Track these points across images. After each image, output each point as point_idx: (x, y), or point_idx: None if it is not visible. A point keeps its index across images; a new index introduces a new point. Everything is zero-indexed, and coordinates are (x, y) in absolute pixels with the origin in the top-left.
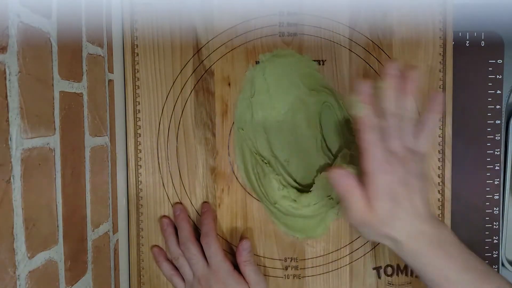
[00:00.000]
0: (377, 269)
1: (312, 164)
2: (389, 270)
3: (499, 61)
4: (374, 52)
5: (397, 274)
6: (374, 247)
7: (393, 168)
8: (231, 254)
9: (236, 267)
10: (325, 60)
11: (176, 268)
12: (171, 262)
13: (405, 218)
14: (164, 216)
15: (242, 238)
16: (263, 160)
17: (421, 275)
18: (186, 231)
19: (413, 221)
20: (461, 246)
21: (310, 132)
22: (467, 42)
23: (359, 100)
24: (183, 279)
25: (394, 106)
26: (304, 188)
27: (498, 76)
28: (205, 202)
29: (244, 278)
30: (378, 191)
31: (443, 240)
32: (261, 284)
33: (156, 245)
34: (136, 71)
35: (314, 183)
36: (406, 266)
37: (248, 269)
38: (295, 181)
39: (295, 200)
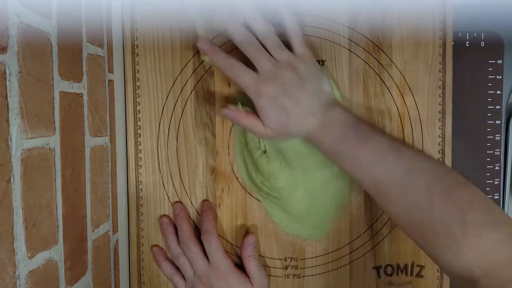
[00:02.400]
0: (377, 268)
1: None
2: (389, 269)
3: (499, 61)
4: (373, 52)
5: (397, 274)
6: (374, 247)
7: (267, 85)
8: (232, 254)
9: (236, 265)
10: (325, 60)
11: (176, 267)
12: (171, 261)
13: (299, 120)
14: (164, 215)
15: (247, 233)
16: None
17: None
18: (186, 230)
19: (306, 119)
20: (347, 119)
21: None
22: (467, 42)
23: (204, 56)
24: (183, 278)
25: (242, 33)
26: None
27: (498, 76)
28: (205, 200)
29: (245, 275)
30: (264, 112)
31: (333, 120)
32: (264, 280)
33: (156, 245)
34: (136, 71)
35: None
36: (406, 266)
37: (251, 264)
38: None
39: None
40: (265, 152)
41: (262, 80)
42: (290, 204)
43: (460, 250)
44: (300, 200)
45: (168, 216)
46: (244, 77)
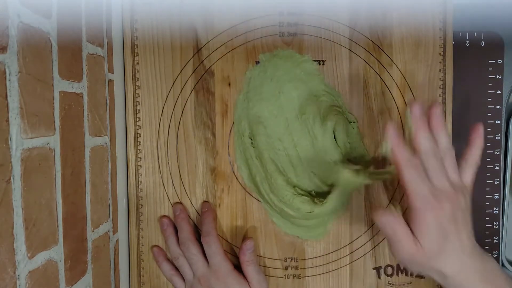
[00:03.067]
0: (377, 269)
1: (325, 165)
2: (389, 270)
3: (499, 61)
4: (374, 52)
5: (397, 274)
6: (374, 247)
7: (441, 204)
8: (231, 254)
9: (236, 267)
10: (325, 60)
11: (176, 268)
12: (171, 262)
13: (453, 253)
14: (164, 216)
15: (246, 237)
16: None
17: None
18: (186, 231)
19: (461, 256)
20: (507, 277)
21: (320, 131)
22: (467, 42)
23: (389, 143)
24: (183, 279)
25: (428, 144)
26: (315, 192)
27: (498, 76)
28: (206, 201)
29: (244, 277)
30: (426, 228)
31: (490, 272)
32: (263, 284)
33: (156, 245)
34: (136, 71)
35: (329, 193)
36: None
37: (250, 269)
38: (306, 190)
39: (310, 212)
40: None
41: (438, 196)
42: (295, 221)
43: None
44: (309, 222)
45: (168, 217)
46: (420, 184)
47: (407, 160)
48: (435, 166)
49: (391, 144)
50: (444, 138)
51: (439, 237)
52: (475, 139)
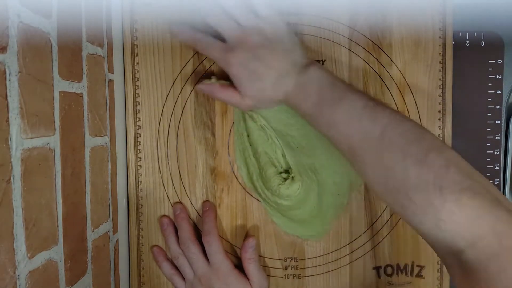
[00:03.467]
0: (377, 268)
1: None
2: (389, 269)
3: (499, 61)
4: (373, 52)
5: (397, 274)
6: (374, 247)
7: (235, 52)
8: (231, 254)
9: (236, 266)
10: (325, 60)
11: (176, 268)
12: (171, 261)
13: (274, 84)
14: (164, 215)
15: (248, 235)
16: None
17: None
18: (186, 230)
19: (282, 81)
20: (326, 78)
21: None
22: (467, 42)
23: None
24: (183, 278)
25: (206, 8)
26: None
27: (498, 76)
28: (206, 201)
29: (245, 276)
30: (237, 80)
31: (308, 79)
32: (263, 283)
33: (156, 245)
34: (136, 71)
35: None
36: (406, 266)
37: (251, 267)
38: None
39: (298, 191)
40: (282, 172)
41: (230, 48)
42: (293, 214)
43: (439, 219)
44: (305, 211)
45: (168, 217)
46: (212, 49)
47: (192, 35)
48: (218, 22)
49: (177, 33)
50: None
51: (252, 79)
52: None
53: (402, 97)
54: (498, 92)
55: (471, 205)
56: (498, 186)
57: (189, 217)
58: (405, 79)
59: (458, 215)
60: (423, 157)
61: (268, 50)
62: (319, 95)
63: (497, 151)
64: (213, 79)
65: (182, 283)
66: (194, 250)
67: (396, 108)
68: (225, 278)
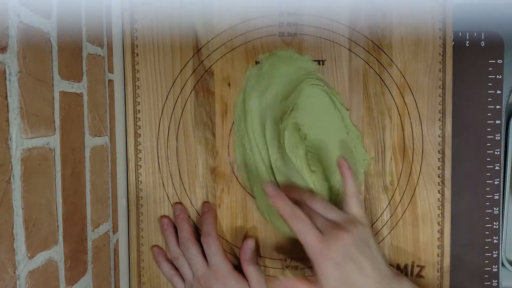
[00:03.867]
0: None
1: None
2: None
3: (499, 61)
4: (374, 52)
5: None
6: None
7: (329, 247)
8: (231, 254)
9: (236, 267)
10: (325, 60)
11: (176, 268)
12: (171, 262)
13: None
14: (164, 216)
15: (246, 237)
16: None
17: None
18: (186, 231)
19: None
20: None
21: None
22: (467, 42)
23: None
24: (183, 279)
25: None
26: None
27: (498, 76)
28: (206, 202)
29: (244, 277)
30: (324, 276)
31: None
32: (262, 285)
33: (156, 245)
34: (136, 71)
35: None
36: (406, 266)
37: (250, 268)
38: None
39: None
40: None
41: (326, 240)
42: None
43: None
44: None
45: (168, 217)
46: (307, 234)
47: (291, 212)
48: (319, 209)
49: (273, 199)
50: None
51: (339, 280)
52: (343, 173)
53: (402, 97)
54: (498, 92)
55: None
56: (498, 186)
57: (189, 218)
58: (405, 79)
59: None
60: None
61: (362, 252)
62: None
63: (497, 151)
64: (288, 273)
65: (182, 284)
66: (193, 251)
67: (396, 109)
68: (224, 279)
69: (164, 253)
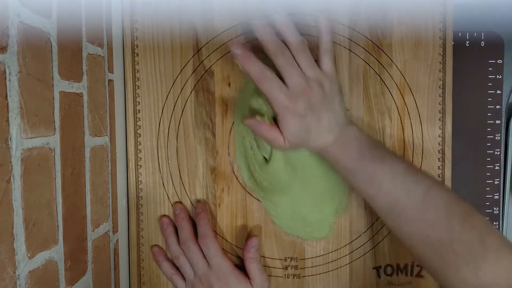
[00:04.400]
0: (377, 268)
1: None
2: (389, 269)
3: (499, 61)
4: (374, 52)
5: (397, 274)
6: (374, 247)
7: (296, 103)
8: (231, 254)
9: (236, 265)
10: None
11: (176, 268)
12: (171, 261)
13: (316, 137)
14: (164, 215)
15: (250, 235)
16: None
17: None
18: (186, 230)
19: (324, 137)
20: (365, 139)
21: None
22: (467, 42)
23: (237, 62)
24: (183, 278)
25: (275, 46)
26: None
27: (498, 76)
28: (198, 201)
29: (245, 276)
30: (287, 127)
31: (349, 138)
32: (264, 283)
33: (156, 245)
34: (136, 71)
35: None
36: (406, 266)
37: (253, 267)
38: None
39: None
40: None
41: (293, 97)
42: (288, 199)
43: (479, 268)
44: (297, 194)
45: (168, 217)
46: (276, 92)
47: (260, 72)
48: (286, 66)
49: (241, 60)
50: (293, 37)
51: (301, 131)
52: (320, 25)
53: (402, 97)
54: (498, 92)
55: (509, 258)
56: (498, 186)
57: (189, 217)
58: (405, 79)
59: (496, 267)
60: (467, 217)
61: (323, 106)
62: (359, 152)
63: (497, 151)
64: (265, 118)
65: (183, 283)
66: (194, 250)
67: (396, 109)
68: (225, 278)
69: (164, 253)
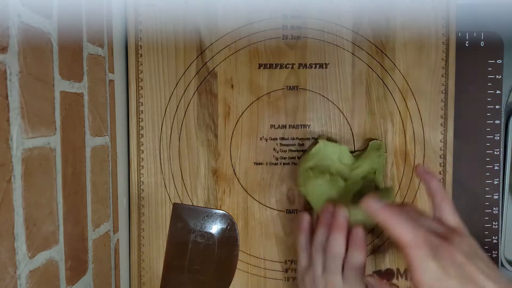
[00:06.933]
0: (377, 272)
1: None
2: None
3: (499, 61)
4: (377, 56)
5: (397, 278)
6: (374, 251)
7: (452, 246)
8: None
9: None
10: (328, 64)
11: (310, 247)
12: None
13: None
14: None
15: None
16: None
17: None
18: (341, 238)
19: None
20: None
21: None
22: (467, 42)
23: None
24: (309, 259)
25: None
26: None
27: (497, 76)
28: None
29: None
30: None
31: None
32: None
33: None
34: (139, 72)
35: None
36: (406, 270)
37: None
38: None
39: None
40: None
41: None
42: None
43: None
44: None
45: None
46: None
47: (395, 216)
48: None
49: (375, 212)
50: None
51: (462, 283)
52: (424, 177)
53: (405, 101)
54: (498, 92)
55: None
56: (497, 186)
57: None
58: (407, 84)
59: None
60: None
61: (474, 263)
62: None
63: (497, 151)
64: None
65: (305, 263)
66: (338, 263)
67: (398, 113)
68: None
69: (312, 228)
